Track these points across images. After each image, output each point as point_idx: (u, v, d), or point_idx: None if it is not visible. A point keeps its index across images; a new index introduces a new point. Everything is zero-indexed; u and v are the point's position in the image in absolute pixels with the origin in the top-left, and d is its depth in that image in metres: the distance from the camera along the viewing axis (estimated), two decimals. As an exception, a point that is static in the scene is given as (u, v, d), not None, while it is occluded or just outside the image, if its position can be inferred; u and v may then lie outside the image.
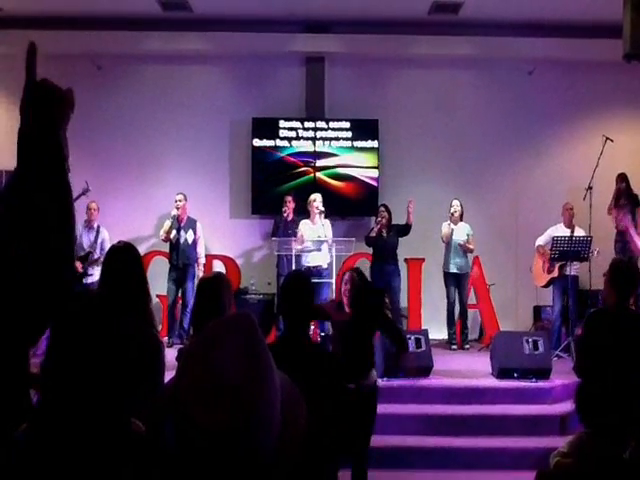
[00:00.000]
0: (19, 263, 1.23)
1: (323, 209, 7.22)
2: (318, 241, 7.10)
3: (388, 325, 4.31)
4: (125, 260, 2.63)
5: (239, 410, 0.97)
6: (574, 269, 7.15)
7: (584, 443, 2.26)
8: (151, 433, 1.34)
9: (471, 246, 7.59)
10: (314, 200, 7.29)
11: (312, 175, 8.53)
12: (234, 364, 1.03)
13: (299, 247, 7.08)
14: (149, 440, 1.30)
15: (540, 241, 7.56)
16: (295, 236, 7.18)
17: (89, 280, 6.99)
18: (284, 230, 7.47)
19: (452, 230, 7.58)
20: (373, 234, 7.47)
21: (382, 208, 7.54)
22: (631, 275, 3.66)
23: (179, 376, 1.07)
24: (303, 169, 8.53)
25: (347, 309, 4.15)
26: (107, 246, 7.02)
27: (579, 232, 7.37)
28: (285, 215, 7.60)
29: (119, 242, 2.70)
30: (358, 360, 4.00)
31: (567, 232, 7.38)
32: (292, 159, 8.54)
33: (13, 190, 1.26)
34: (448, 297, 7.62)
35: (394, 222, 7.51)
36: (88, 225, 7.50)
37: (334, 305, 4.25)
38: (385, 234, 7.44)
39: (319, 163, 8.55)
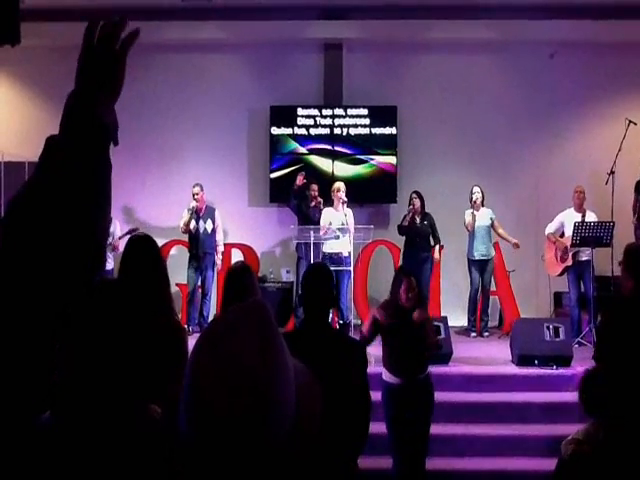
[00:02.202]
0: (48, 240, 1.20)
1: (346, 199, 7.12)
2: (342, 229, 7.06)
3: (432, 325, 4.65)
4: (143, 250, 2.69)
5: (250, 395, 0.98)
6: (586, 254, 7.03)
7: (599, 431, 2.24)
8: (169, 418, 1.36)
9: (501, 232, 7.51)
10: (338, 190, 7.20)
11: (330, 162, 8.52)
12: (246, 350, 1.04)
13: (320, 234, 7.03)
14: (166, 425, 1.32)
15: (550, 228, 7.40)
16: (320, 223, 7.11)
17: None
18: (312, 216, 7.42)
19: (475, 217, 7.50)
20: (406, 222, 7.38)
21: (414, 195, 7.45)
22: None
23: (192, 363, 1.08)
24: (321, 156, 8.52)
25: (407, 307, 4.22)
26: (117, 235, 7.18)
27: (590, 217, 7.21)
28: (314, 203, 7.53)
29: (135, 228, 2.75)
30: (419, 355, 4.24)
31: (578, 217, 7.19)
32: (310, 147, 8.54)
33: (47, 160, 1.22)
34: (472, 284, 7.55)
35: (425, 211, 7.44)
36: None
37: (391, 305, 4.30)
38: (418, 221, 7.39)
39: (337, 150, 8.53)
